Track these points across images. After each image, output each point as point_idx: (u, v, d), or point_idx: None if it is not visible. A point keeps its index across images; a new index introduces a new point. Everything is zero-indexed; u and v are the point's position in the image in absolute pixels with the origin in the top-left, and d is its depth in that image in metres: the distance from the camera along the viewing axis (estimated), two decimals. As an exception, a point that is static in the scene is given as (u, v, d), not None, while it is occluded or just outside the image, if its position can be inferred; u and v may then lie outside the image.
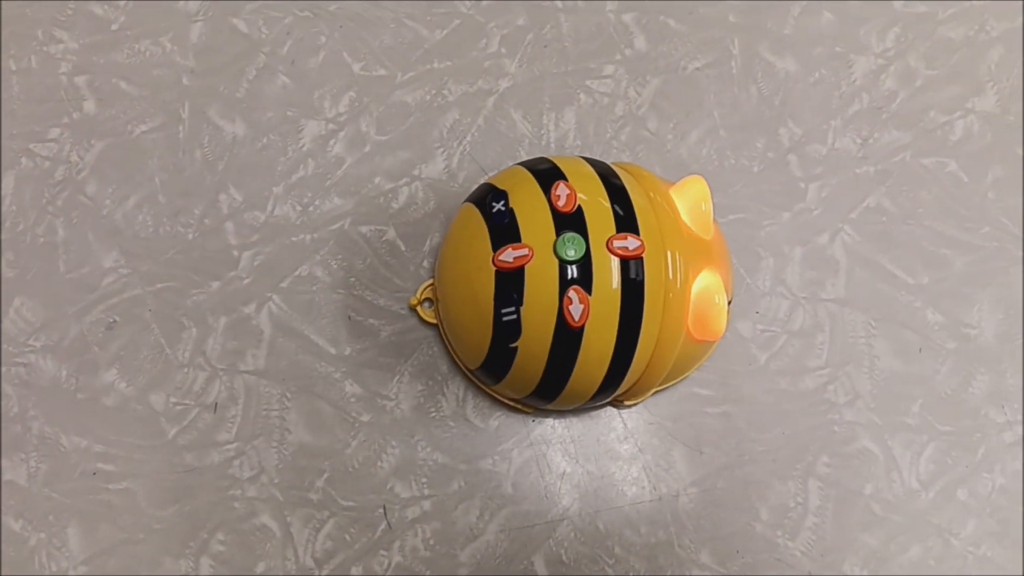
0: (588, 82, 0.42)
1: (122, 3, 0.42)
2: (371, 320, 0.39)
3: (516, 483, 0.37)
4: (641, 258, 0.31)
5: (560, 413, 0.38)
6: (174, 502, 0.37)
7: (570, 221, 0.32)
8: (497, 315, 0.32)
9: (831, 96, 0.42)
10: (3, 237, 0.39)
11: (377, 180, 0.40)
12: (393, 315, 0.39)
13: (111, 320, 0.39)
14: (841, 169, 0.41)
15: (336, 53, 0.42)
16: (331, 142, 0.41)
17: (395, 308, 0.39)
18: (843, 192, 0.41)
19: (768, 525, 0.37)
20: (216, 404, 0.38)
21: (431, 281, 0.38)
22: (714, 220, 0.35)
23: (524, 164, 0.35)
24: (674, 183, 0.35)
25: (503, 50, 0.42)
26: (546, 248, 0.31)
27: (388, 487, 0.37)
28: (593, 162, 0.34)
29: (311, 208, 0.40)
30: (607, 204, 0.32)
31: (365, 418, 0.38)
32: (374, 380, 0.38)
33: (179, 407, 0.38)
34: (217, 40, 0.42)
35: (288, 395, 0.38)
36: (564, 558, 0.37)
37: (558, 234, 0.31)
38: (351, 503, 0.37)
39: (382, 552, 0.36)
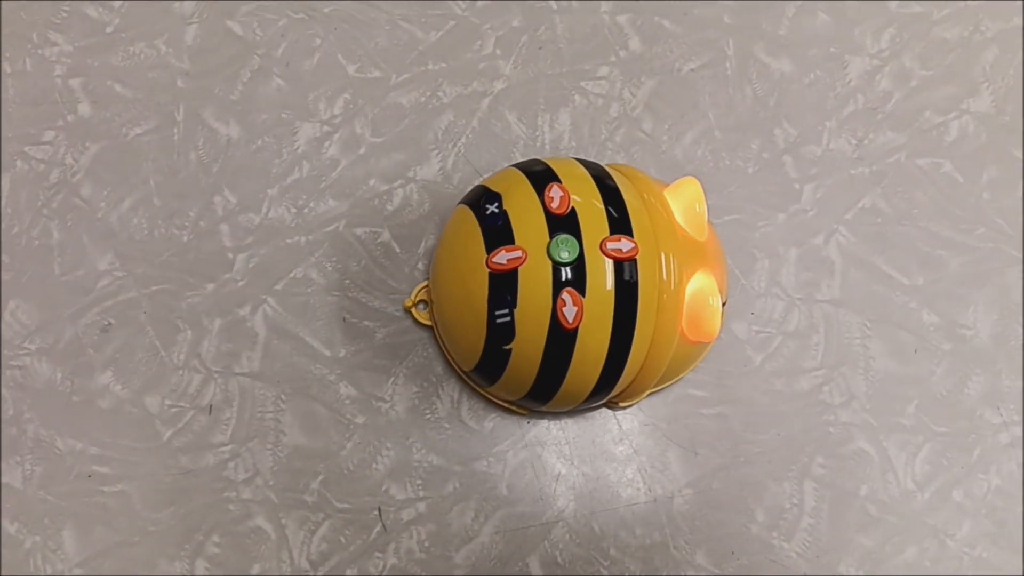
0: (583, 83, 0.42)
1: (117, 5, 0.42)
2: (366, 322, 0.39)
3: (511, 485, 0.37)
4: (635, 260, 0.31)
5: (555, 415, 0.38)
6: (169, 504, 0.37)
7: (564, 223, 0.32)
8: (491, 317, 0.32)
9: (826, 97, 0.42)
10: (-2, 240, 0.40)
11: (372, 182, 0.40)
12: (388, 317, 0.39)
13: (106, 323, 0.39)
14: (836, 170, 0.41)
15: (331, 55, 0.42)
16: (326, 144, 0.41)
17: (390, 310, 0.39)
18: (838, 193, 0.41)
19: (763, 526, 0.37)
20: (211, 406, 0.38)
21: (426, 283, 0.38)
22: (709, 221, 0.35)
23: (518, 166, 0.35)
24: (669, 184, 0.35)
25: (498, 52, 0.42)
26: (539, 250, 0.31)
27: (383, 489, 0.37)
28: (587, 163, 0.34)
29: (306, 210, 0.40)
30: (601, 206, 0.32)
31: (360, 420, 0.38)
32: (369, 382, 0.38)
33: (174, 409, 0.38)
34: (212, 42, 0.42)
35: (283, 397, 0.38)
36: (559, 560, 0.37)
37: (551, 236, 0.31)
38: (346, 505, 0.37)
39: (377, 554, 0.36)
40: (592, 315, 0.31)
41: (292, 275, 0.39)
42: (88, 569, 0.36)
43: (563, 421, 0.38)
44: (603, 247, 0.31)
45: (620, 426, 0.38)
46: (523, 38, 0.42)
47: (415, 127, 0.41)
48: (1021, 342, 0.39)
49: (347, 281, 0.39)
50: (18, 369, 0.38)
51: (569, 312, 0.31)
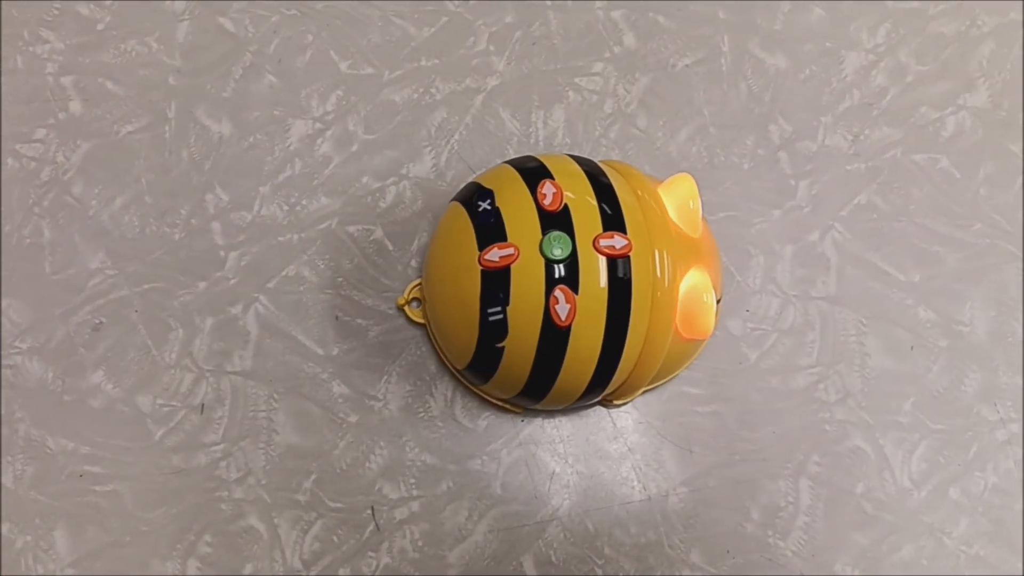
0: (577, 80, 0.42)
1: (108, 3, 0.42)
2: (359, 320, 0.38)
3: (505, 483, 0.37)
4: (628, 257, 0.31)
5: (549, 413, 0.38)
6: (161, 504, 0.37)
7: (556, 220, 0.31)
8: (483, 315, 0.31)
9: (821, 93, 0.42)
10: (-11, 238, 0.39)
11: (365, 179, 0.40)
12: (381, 315, 0.38)
13: (97, 321, 0.38)
14: (832, 166, 0.41)
15: (323, 52, 0.42)
16: (318, 141, 0.40)
17: (383, 308, 0.39)
18: (834, 189, 0.40)
19: (759, 525, 0.37)
20: (203, 405, 0.38)
21: (419, 281, 0.38)
22: (703, 218, 0.35)
23: (511, 163, 0.34)
24: (663, 181, 0.35)
25: (491, 48, 0.42)
26: (532, 247, 0.31)
27: (376, 488, 0.37)
28: (580, 160, 0.34)
29: (298, 208, 0.40)
30: (594, 202, 0.32)
31: (353, 419, 0.37)
32: (362, 380, 0.38)
33: (166, 408, 0.37)
34: (203, 39, 0.42)
35: (275, 396, 0.38)
36: (553, 559, 0.36)
37: (544, 233, 0.31)
38: (339, 504, 0.37)
39: (370, 553, 0.36)
40: (585, 312, 0.31)
41: (284, 273, 0.39)
42: (80, 569, 0.36)
43: (557, 419, 0.38)
44: (596, 244, 0.31)
45: (614, 424, 0.38)
46: (517, 34, 0.42)
47: (408, 124, 0.41)
48: (1019, 338, 0.39)
49: (340, 279, 0.39)
50: (9, 368, 0.38)
51: (562, 309, 0.31)
